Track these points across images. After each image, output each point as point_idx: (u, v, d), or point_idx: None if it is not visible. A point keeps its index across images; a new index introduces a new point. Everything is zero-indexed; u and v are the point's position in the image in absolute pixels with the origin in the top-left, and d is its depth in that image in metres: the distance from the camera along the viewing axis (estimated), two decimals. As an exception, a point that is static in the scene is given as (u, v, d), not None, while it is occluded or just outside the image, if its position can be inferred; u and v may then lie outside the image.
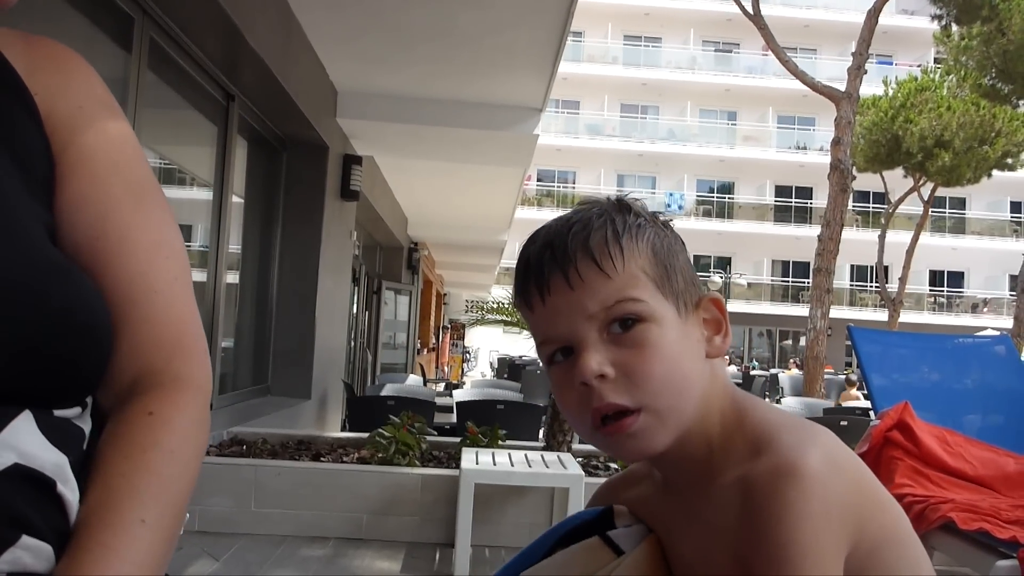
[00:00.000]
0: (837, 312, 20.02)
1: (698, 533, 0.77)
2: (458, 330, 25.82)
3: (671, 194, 30.89)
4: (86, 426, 0.68)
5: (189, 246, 5.18)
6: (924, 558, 0.74)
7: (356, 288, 10.40)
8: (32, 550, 0.58)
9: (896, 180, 22.74)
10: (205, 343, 0.77)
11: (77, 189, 0.74)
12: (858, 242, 26.71)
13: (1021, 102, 17.60)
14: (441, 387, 12.80)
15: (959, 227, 31.05)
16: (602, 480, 4.63)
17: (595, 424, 0.76)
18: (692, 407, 0.77)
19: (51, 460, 0.62)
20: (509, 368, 16.17)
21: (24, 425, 0.61)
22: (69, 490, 0.62)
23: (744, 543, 0.69)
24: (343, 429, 7.18)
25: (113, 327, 0.71)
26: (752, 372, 20.05)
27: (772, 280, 31.43)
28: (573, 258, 0.77)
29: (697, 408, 0.77)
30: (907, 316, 25.84)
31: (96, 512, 0.62)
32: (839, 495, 0.67)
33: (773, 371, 21.84)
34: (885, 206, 24.78)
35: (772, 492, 0.67)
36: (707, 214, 30.85)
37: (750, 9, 13.17)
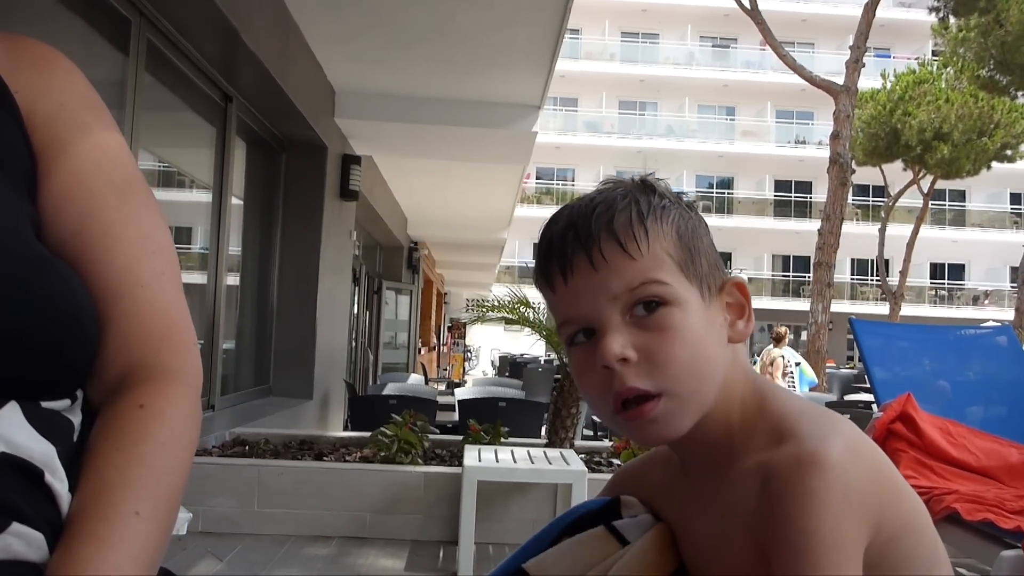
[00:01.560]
0: (838, 306, 20.01)
1: (712, 516, 0.77)
2: (459, 329, 25.81)
3: (670, 190, 30.82)
4: (75, 419, 0.68)
5: (189, 248, 5.18)
6: (940, 546, 0.74)
7: (356, 288, 10.40)
8: (24, 538, 0.58)
9: (895, 173, 22.72)
10: (194, 337, 0.77)
11: (59, 187, 0.74)
12: (858, 236, 26.69)
13: (1020, 93, 17.59)
14: (443, 386, 12.80)
15: (959, 219, 31.02)
16: (605, 476, 4.61)
17: (616, 408, 0.75)
18: (714, 392, 0.76)
19: (39, 450, 0.62)
20: (511, 366, 16.15)
21: (10, 414, 0.61)
22: (58, 480, 0.62)
23: (763, 531, 0.69)
24: (345, 429, 7.18)
25: (100, 321, 0.71)
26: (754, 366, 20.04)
27: (772, 275, 31.41)
28: (597, 239, 0.75)
29: (718, 393, 0.77)
30: (908, 309, 25.85)
31: (89, 505, 0.62)
32: (860, 485, 0.67)
33: (775, 366, 21.81)
34: (885, 199, 24.78)
35: (794, 481, 0.67)
36: (706, 210, 30.80)
37: (747, 4, 13.16)
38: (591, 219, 0.77)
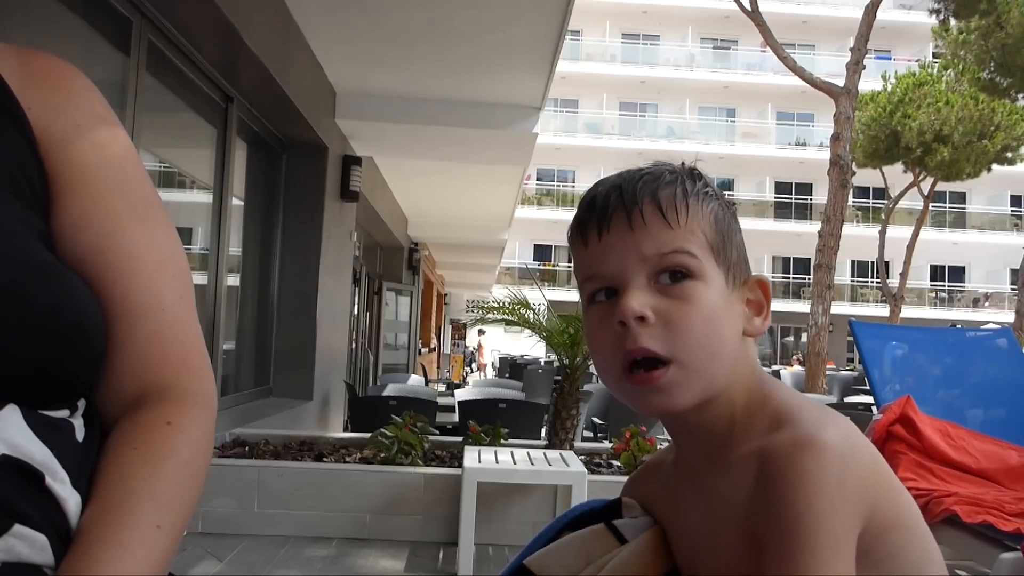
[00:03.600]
0: (838, 308, 20.00)
1: (705, 508, 0.77)
2: (459, 330, 25.83)
3: (671, 192, 30.80)
4: (76, 423, 0.68)
5: (189, 249, 5.18)
6: (932, 545, 0.74)
7: (357, 289, 10.40)
8: (27, 540, 0.59)
9: (896, 175, 22.73)
10: (208, 360, 0.79)
11: (79, 207, 0.74)
12: (859, 238, 26.69)
13: (1020, 96, 17.60)
14: (443, 387, 12.79)
15: (959, 222, 31.03)
16: (605, 477, 4.60)
17: (624, 369, 0.76)
18: (721, 374, 0.77)
19: (39, 453, 0.62)
20: (511, 367, 16.15)
21: (11, 416, 0.62)
22: (59, 484, 0.63)
23: (757, 513, 0.69)
24: (345, 430, 7.19)
25: (119, 339, 0.72)
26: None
27: (773, 277, 31.36)
28: (640, 201, 0.78)
29: (725, 378, 0.77)
30: (908, 311, 25.83)
31: (113, 512, 0.63)
32: (855, 471, 0.68)
33: (775, 367, 21.83)
34: (885, 201, 24.78)
35: (789, 462, 0.68)
36: (707, 211, 30.76)
37: (748, 6, 13.16)
38: (637, 184, 0.79)
